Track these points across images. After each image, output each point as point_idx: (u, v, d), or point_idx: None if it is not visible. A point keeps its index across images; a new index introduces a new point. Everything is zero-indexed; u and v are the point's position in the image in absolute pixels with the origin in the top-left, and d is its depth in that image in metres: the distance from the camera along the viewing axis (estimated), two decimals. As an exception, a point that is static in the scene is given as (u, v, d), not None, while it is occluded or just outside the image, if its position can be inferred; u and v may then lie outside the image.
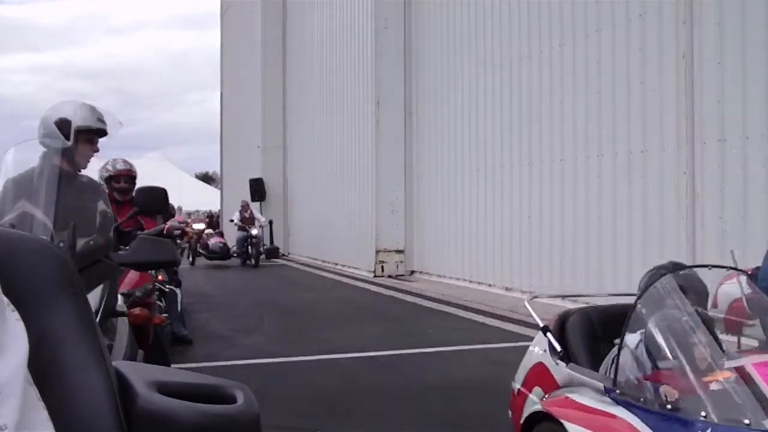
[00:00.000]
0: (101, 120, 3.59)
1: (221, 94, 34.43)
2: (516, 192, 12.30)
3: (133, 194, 5.51)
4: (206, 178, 66.25)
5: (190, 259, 20.08)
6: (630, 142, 9.63)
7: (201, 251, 19.87)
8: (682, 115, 8.71)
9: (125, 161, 5.95)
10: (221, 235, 20.95)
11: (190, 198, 31.48)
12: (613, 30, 9.93)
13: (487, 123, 13.24)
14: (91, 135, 3.60)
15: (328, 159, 20.60)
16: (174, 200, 10.67)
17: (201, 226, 28.94)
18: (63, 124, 3.38)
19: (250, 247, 19.84)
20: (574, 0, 10.73)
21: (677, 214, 8.82)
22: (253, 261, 19.71)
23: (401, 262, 16.30)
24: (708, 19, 8.36)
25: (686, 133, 8.64)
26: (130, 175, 5.87)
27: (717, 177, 8.27)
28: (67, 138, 3.39)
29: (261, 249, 20.22)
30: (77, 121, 3.47)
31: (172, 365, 4.84)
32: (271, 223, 24.22)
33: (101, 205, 2.93)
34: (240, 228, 20.00)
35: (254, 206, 24.72)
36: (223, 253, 19.72)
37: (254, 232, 19.80)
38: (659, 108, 9.12)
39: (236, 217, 20.37)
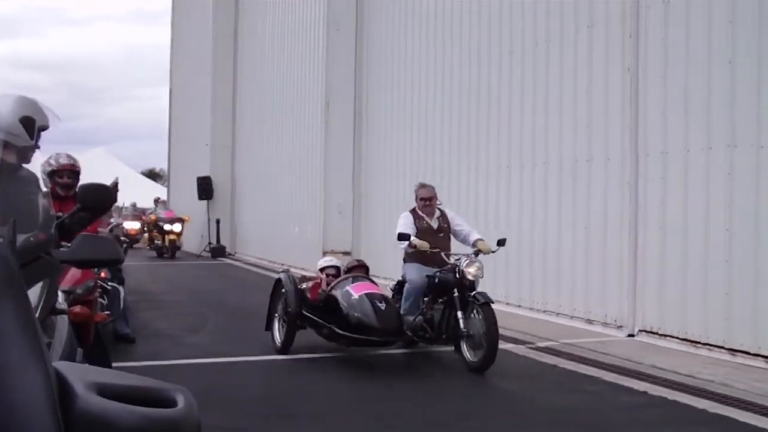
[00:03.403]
0: (47, 116, 3.59)
1: (170, 90, 34.01)
2: (464, 197, 12.38)
3: (77, 190, 5.43)
4: (152, 175, 65.30)
5: (280, 335, 7.88)
6: (576, 150, 9.79)
7: (314, 315, 7.63)
8: (626, 127, 8.89)
9: (69, 156, 5.86)
10: (365, 273, 8.16)
11: (135, 194, 30.79)
12: (562, 40, 10.08)
13: (435, 127, 13.32)
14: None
15: (276, 159, 20.49)
16: (119, 196, 10.46)
17: (136, 225, 24.25)
18: (28, 123, 3.36)
19: (460, 319, 7.15)
20: (525, 9, 10.86)
21: (620, 223, 8.99)
22: (470, 356, 7.12)
23: (348, 264, 16.27)
24: (653, 34, 8.55)
25: (630, 144, 8.82)
26: (73, 170, 5.79)
27: (659, 188, 8.46)
28: (32, 137, 3.36)
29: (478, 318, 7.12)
30: (39, 120, 3.45)
31: (114, 364, 4.78)
32: (218, 222, 23.78)
33: (41, 200, 2.88)
34: (414, 258, 7.78)
35: (202, 205, 24.42)
36: (387, 326, 7.15)
37: (471, 271, 7.27)
38: (605, 119, 9.29)
39: (407, 224, 7.89)
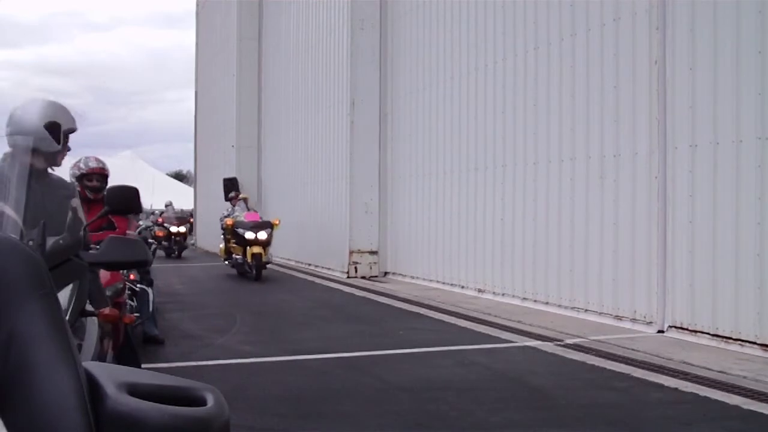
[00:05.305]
0: (74, 119, 3.63)
1: (196, 92, 34.23)
2: (489, 194, 12.36)
3: (104, 193, 5.49)
4: (179, 177, 65.80)
5: None
6: (603, 146, 9.71)
7: None
8: (654, 120, 8.80)
9: (98, 159, 5.92)
10: None
11: (162, 196, 31.04)
12: (588, 34, 10.01)
13: (461, 125, 13.29)
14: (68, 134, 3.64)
15: (302, 159, 20.56)
16: (146, 198, 10.55)
17: (182, 229, 23.76)
18: (53, 128, 3.41)
19: None
20: (550, 3, 10.80)
21: (648, 218, 8.91)
22: None
23: (375, 263, 16.31)
24: (680, 25, 8.46)
25: (658, 138, 8.73)
26: (102, 174, 5.85)
27: (688, 182, 8.37)
28: (58, 141, 3.40)
29: None
30: (65, 124, 3.48)
31: (143, 365, 4.82)
32: None
33: (72, 204, 2.91)
34: None
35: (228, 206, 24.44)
36: None
37: None
38: (632, 113, 9.21)
39: None
